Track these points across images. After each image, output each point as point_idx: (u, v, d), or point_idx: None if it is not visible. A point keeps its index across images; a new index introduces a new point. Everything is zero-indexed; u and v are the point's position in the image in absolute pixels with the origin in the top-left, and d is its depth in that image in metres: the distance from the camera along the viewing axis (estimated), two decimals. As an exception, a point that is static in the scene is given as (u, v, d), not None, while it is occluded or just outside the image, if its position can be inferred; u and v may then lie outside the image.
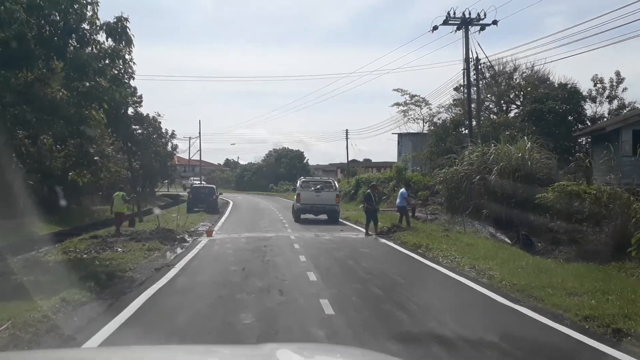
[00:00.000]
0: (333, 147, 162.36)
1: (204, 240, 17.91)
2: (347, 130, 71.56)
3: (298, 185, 26.35)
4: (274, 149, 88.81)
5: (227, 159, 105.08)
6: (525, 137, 23.60)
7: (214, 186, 35.38)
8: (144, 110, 56.29)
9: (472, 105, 31.95)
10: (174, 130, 60.06)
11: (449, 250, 14.31)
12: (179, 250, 15.56)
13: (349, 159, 76.95)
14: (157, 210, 36.66)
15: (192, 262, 13.27)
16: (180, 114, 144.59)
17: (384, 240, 17.97)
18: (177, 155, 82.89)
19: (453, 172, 26.06)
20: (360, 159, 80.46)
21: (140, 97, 52.47)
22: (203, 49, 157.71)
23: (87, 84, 13.42)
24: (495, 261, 12.26)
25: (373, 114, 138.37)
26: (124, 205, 20.84)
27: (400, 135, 72.96)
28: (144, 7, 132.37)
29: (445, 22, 27.64)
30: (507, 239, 18.98)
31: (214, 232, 20.09)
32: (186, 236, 19.39)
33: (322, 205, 24.93)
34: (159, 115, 56.04)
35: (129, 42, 13.20)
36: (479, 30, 29.77)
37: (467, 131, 38.56)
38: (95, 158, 28.51)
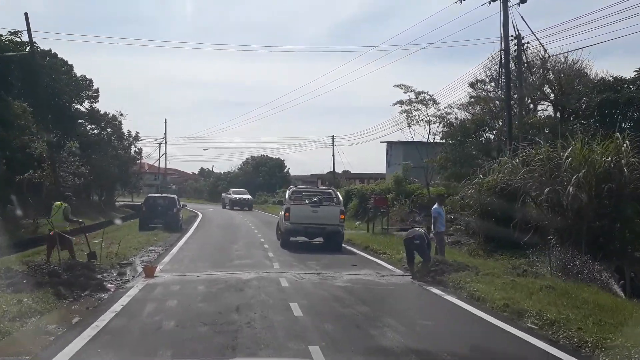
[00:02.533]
0: (310, 158, 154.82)
1: (135, 288, 10.72)
2: (333, 136, 64.88)
3: (287, 197, 19.22)
4: (251, 157, 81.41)
5: (201, 168, 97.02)
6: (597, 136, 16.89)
7: (175, 196, 27.96)
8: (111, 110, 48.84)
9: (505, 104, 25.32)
10: (137, 133, 52.24)
11: (586, 324, 7.48)
12: (74, 320, 8.26)
13: (328, 171, 70.05)
14: (117, 221, 29.01)
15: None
16: (157, 123, 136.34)
17: (436, 291, 10.95)
18: (146, 162, 75.28)
19: (490, 182, 19.28)
20: (339, 171, 73.22)
21: (97, 91, 44.85)
22: (182, 58, 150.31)
23: None
24: None
25: (352, 126, 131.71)
26: (66, 223, 13.61)
27: (389, 144, 66.44)
28: (124, 16, 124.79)
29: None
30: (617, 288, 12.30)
31: (158, 270, 12.84)
32: (114, 275, 12.23)
33: (321, 226, 17.89)
34: (121, 114, 48.47)
35: None
36: (519, 3, 23.39)
37: (489, 135, 32.10)
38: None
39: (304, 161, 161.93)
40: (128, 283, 11.38)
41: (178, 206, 26.49)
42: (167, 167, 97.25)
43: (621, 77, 24.40)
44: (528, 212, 17.40)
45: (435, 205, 14.84)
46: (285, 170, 79.76)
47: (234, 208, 48.56)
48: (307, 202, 18.76)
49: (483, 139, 31.30)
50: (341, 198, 18.94)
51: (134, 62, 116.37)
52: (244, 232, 25.58)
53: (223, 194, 55.49)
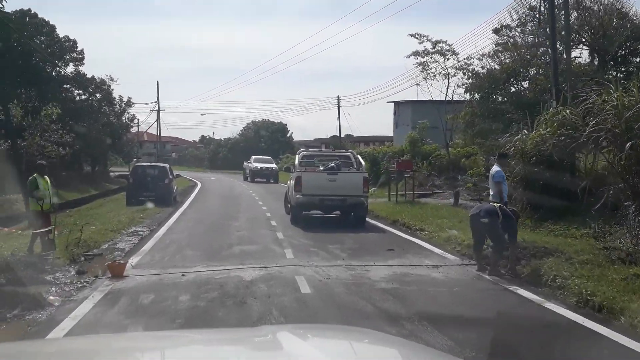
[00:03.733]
0: (311, 122, 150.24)
1: (89, 301, 7.39)
2: (338, 96, 60.93)
3: (296, 163, 15.69)
4: (252, 122, 77.39)
5: (202, 136, 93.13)
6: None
7: (166, 165, 24.40)
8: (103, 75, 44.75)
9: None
10: (130, 98, 48.33)
11: None
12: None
13: (331, 135, 66.17)
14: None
15: None
16: (153, 92, 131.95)
17: (526, 294, 7.56)
18: (145, 131, 71.29)
19: (537, 138, 15.82)
20: (341, 135, 69.22)
21: (82, 52, 40.84)
22: (176, 24, 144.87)
23: None
24: None
25: (354, 89, 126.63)
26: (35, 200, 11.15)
27: (397, 103, 62.69)
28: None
29: None
30: None
31: (129, 265, 9.43)
32: (70, 275, 8.94)
33: (341, 198, 14.46)
34: (112, 79, 44.52)
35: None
36: None
37: (520, 86, 28.34)
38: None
39: (304, 126, 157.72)
40: (85, 289, 8.07)
41: (170, 176, 23.06)
42: (168, 135, 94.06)
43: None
44: (592, 173, 14.09)
45: (495, 167, 10.96)
46: (288, 135, 76.01)
47: (256, 180, 38.78)
48: (321, 168, 15.29)
49: (513, 89, 27.59)
50: (363, 162, 15.42)
51: (124, 30, 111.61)
52: (247, 204, 22.21)
53: (245, 163, 44.84)
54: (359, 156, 16.25)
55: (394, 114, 64.23)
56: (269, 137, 71.97)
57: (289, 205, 16.27)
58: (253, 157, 43.86)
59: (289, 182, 17.42)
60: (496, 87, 26.85)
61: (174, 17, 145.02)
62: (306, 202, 14.53)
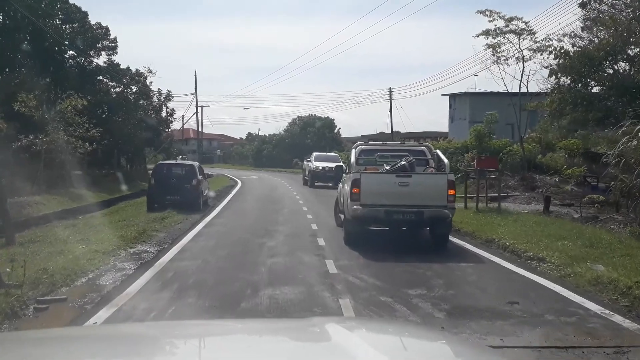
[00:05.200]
0: (357, 119, 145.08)
1: None
2: (390, 89, 56.52)
3: (352, 160, 11.37)
4: (298, 117, 73.51)
5: (249, 133, 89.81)
6: None
7: (194, 163, 20.61)
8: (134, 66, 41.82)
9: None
10: (169, 91, 45.27)
11: None
12: None
13: (379, 132, 61.63)
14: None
15: None
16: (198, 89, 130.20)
17: None
18: (190, 127, 68.27)
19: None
20: (388, 131, 64.41)
21: (115, 40, 37.85)
22: (221, 23, 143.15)
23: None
24: None
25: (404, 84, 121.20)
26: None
27: (452, 96, 57.81)
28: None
29: None
30: None
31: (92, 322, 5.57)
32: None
33: (416, 209, 10.21)
34: (150, 71, 41.44)
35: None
36: None
37: (619, 67, 23.35)
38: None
39: (349, 122, 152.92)
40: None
41: (199, 177, 19.35)
42: (215, 132, 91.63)
43: None
44: None
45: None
46: (335, 131, 71.75)
47: (316, 184, 29.88)
48: (387, 167, 11.14)
49: (610, 72, 22.68)
50: (445, 159, 11.05)
51: (168, 28, 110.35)
52: (288, 211, 18.28)
53: (305, 162, 35.73)
54: (437, 151, 11.93)
55: (450, 107, 59.27)
56: (315, 133, 68.05)
57: (340, 217, 12.23)
58: (314, 154, 34.42)
59: (340, 185, 13.39)
60: (590, 69, 22.03)
61: (223, 16, 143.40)
62: (367, 216, 10.39)
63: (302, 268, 8.89)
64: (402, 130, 66.39)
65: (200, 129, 55.03)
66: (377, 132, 65.14)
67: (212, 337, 2.37)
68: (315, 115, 71.88)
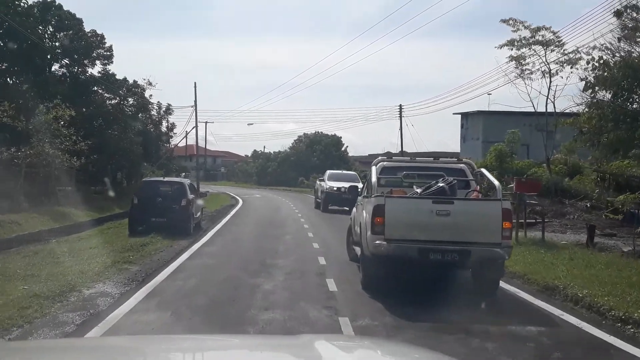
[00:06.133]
0: (362, 138, 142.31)
1: None
2: (400, 105, 54.12)
3: (372, 180, 8.79)
4: (304, 134, 71.10)
5: (254, 150, 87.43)
6: None
7: (185, 181, 18.03)
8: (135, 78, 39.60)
9: None
10: (169, 104, 43.14)
11: None
12: None
13: (386, 152, 59.02)
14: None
15: None
16: (202, 105, 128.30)
17: None
18: (193, 144, 66.06)
19: None
20: (395, 151, 61.71)
21: (110, 49, 35.59)
22: (227, 42, 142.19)
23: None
24: None
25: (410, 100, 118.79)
26: None
27: (464, 115, 55.71)
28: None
29: None
30: None
31: None
32: None
33: (460, 247, 7.69)
34: (150, 83, 39.22)
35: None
36: None
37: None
38: None
39: (355, 142, 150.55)
40: None
41: (190, 196, 16.85)
42: (219, 149, 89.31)
43: None
44: None
45: None
46: (342, 149, 69.31)
47: (330, 208, 25.25)
48: (418, 190, 8.61)
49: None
50: (496, 182, 8.44)
51: (171, 48, 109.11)
52: (291, 238, 15.72)
53: (317, 182, 30.44)
54: (483, 170, 9.37)
55: (462, 126, 57.09)
56: (321, 152, 65.63)
57: (357, 251, 9.68)
58: (328, 172, 29.09)
59: (355, 210, 10.88)
60: (633, 82, 19.54)
61: (230, 34, 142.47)
62: (393, 255, 7.80)
63: (307, 331, 6.32)
64: (411, 150, 63.90)
65: (204, 145, 52.84)
66: (384, 151, 62.81)
67: (205, 352, 2.44)
68: (321, 132, 69.61)
